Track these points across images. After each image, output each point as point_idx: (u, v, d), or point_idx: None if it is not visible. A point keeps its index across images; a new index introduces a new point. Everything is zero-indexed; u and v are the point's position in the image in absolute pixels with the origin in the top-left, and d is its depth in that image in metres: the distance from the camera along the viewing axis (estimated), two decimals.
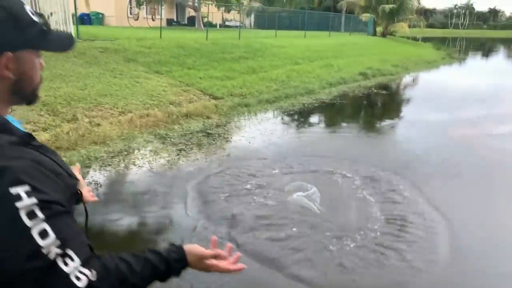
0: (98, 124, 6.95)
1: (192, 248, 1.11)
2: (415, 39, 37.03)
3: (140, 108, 7.89)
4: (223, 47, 14.08)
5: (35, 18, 0.93)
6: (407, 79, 16.47)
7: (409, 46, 27.01)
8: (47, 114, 6.89)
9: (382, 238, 3.82)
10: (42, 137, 6.15)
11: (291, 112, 9.37)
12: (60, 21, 11.15)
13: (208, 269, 1.12)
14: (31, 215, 0.81)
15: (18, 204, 0.80)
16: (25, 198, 0.80)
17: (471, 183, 5.39)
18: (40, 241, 0.80)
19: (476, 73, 19.70)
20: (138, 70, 9.89)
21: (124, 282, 0.92)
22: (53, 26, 11.08)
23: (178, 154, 6.08)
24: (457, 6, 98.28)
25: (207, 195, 4.68)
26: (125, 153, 5.97)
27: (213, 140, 6.89)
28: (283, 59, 14.48)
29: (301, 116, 9.21)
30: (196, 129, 7.43)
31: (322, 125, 8.88)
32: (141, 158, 5.81)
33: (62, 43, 1.02)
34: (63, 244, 0.83)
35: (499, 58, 31.80)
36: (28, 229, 0.80)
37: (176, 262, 1.06)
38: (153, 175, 5.26)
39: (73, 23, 11.66)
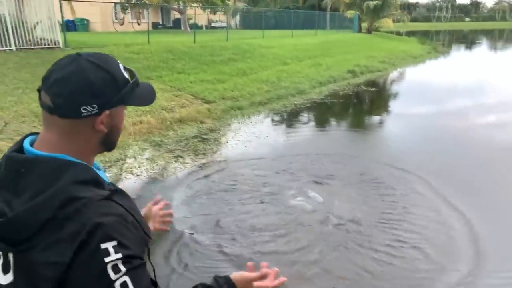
0: None
1: (239, 275, 1.21)
2: (399, 33, 37.38)
3: (132, 115, 7.84)
4: (211, 49, 14.05)
5: (126, 75, 1.02)
6: (395, 75, 16.62)
7: (394, 42, 27.23)
8: (39, 125, 6.81)
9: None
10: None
11: (284, 114, 9.40)
12: (46, 29, 11.04)
13: None
14: (116, 269, 0.88)
15: (107, 259, 0.87)
16: (112, 254, 0.88)
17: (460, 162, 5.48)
18: None
19: (461, 66, 19.97)
20: None
21: None
22: (39, 34, 10.97)
23: (175, 161, 6.07)
24: (439, 0, 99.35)
25: (208, 201, 4.68)
26: (122, 162, 5.94)
27: (209, 146, 6.89)
28: (272, 60, 14.51)
29: (294, 117, 9.24)
30: (191, 134, 7.42)
31: (316, 125, 8.92)
32: (139, 167, 5.78)
33: (147, 97, 1.08)
34: None
35: (482, 49, 32.26)
36: (112, 282, 0.87)
37: None
38: (152, 183, 5.25)
39: (60, 31, 11.53)
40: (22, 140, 1.00)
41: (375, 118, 9.44)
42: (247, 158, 6.25)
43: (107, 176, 1.08)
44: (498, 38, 43.94)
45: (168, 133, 7.35)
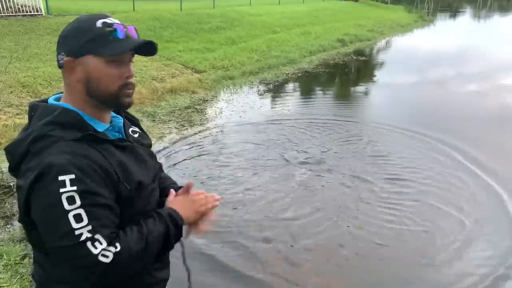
0: None
1: (171, 199, 1.26)
2: (384, 2, 36.97)
3: None
4: (198, 17, 13.70)
5: (103, 29, 1.06)
6: (384, 43, 16.54)
7: (381, 10, 26.93)
8: (28, 96, 6.63)
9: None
10: (27, 120, 5.93)
11: (276, 84, 9.31)
12: None
13: (200, 208, 1.25)
14: (70, 200, 0.97)
15: (62, 189, 0.96)
16: (68, 185, 0.96)
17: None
18: (74, 224, 0.96)
19: (448, 34, 19.95)
20: None
21: (141, 241, 1.06)
22: (20, 1, 10.51)
23: (170, 132, 6.00)
24: None
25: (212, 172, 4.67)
26: None
27: (204, 116, 6.82)
28: (260, 28, 14.25)
29: (287, 87, 9.17)
30: (184, 104, 7.32)
31: (310, 94, 8.87)
32: None
33: (122, 46, 1.07)
34: (94, 229, 0.98)
35: (466, 18, 32.33)
36: (66, 212, 0.96)
37: (170, 215, 1.17)
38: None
39: None
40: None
41: (366, 88, 9.42)
42: (243, 128, 6.22)
43: (105, 127, 1.15)
44: (481, 6, 43.89)
45: (160, 104, 7.23)
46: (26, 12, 10.46)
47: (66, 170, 0.97)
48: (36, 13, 10.68)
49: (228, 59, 10.30)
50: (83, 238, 0.96)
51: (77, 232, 0.96)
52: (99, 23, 1.06)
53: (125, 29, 1.09)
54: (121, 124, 1.23)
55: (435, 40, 17.53)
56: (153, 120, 6.44)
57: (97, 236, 0.98)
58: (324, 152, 5.32)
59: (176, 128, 6.21)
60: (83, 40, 1.05)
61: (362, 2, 29.81)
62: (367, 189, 4.35)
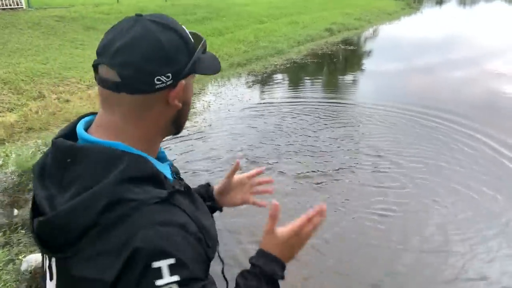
0: (67, 100, 6.61)
1: (268, 236, 0.94)
2: None
3: None
4: (184, 8, 13.53)
5: (192, 39, 0.84)
6: (371, 32, 16.48)
7: None
8: (10, 93, 6.47)
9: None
10: (10, 118, 5.80)
11: (265, 75, 9.20)
12: None
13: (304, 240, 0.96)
14: None
15: (159, 282, 0.68)
16: (166, 275, 0.68)
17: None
18: None
19: (435, 21, 20.00)
20: (99, 39, 9.33)
21: None
22: None
23: None
24: None
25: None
26: None
27: (192, 110, 6.70)
28: (247, 18, 14.10)
29: (276, 79, 9.07)
30: None
31: (299, 86, 8.78)
32: None
33: (214, 64, 0.88)
34: None
35: (452, 5, 32.49)
36: None
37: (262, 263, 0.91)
38: None
39: None
40: (75, 122, 0.84)
41: (355, 77, 9.37)
42: (230, 122, 6.13)
43: (172, 167, 0.91)
44: None
45: None
46: (6, 5, 10.19)
47: (161, 252, 0.69)
48: (16, 6, 10.43)
49: (215, 51, 10.15)
50: None
51: None
52: (188, 33, 0.84)
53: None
54: (165, 155, 0.95)
55: (422, 28, 17.55)
56: None
57: None
58: (319, 142, 5.27)
59: None
60: (194, 58, 0.81)
61: None
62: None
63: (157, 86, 0.77)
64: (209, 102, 7.18)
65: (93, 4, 12.37)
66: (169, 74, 0.78)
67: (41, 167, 0.79)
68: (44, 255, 0.81)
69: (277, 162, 4.80)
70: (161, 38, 0.77)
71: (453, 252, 3.30)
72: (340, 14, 17.81)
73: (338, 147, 5.23)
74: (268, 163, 4.76)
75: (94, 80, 7.43)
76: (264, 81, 8.85)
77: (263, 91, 8.09)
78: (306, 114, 6.43)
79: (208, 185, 1.24)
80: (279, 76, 9.25)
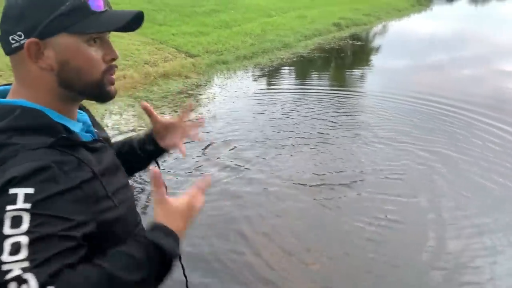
0: None
1: (160, 209, 0.84)
2: None
3: None
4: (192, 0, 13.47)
5: None
6: (380, 28, 16.36)
7: None
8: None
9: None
10: None
11: (271, 68, 9.18)
12: None
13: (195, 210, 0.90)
14: (15, 221, 0.66)
15: (9, 207, 0.67)
16: (19, 202, 0.67)
17: None
18: (5, 255, 0.64)
19: (446, 19, 19.80)
20: None
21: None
22: None
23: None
24: None
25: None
26: (107, 119, 5.73)
27: (196, 101, 6.70)
28: (255, 11, 14.02)
29: (281, 72, 9.04)
30: (176, 89, 7.20)
31: (304, 80, 8.75)
32: (125, 124, 5.60)
33: (111, 21, 0.83)
34: (30, 267, 0.64)
35: (463, 2, 32.10)
36: (3, 237, 0.65)
37: (157, 231, 0.80)
38: None
39: None
40: None
41: (361, 73, 9.31)
42: (235, 114, 6.12)
43: (79, 126, 0.91)
44: None
45: (153, 89, 7.10)
46: None
47: (23, 181, 0.69)
48: None
49: (222, 43, 10.13)
50: (8, 276, 0.63)
51: (4, 267, 0.64)
52: None
53: None
54: (89, 120, 0.98)
55: (432, 25, 17.39)
56: None
57: (28, 276, 0.63)
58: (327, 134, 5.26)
59: (168, 113, 6.09)
60: (54, 14, 0.78)
61: None
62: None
63: (13, 46, 0.79)
64: (214, 93, 7.17)
65: None
66: (20, 33, 0.78)
67: None
68: None
69: (275, 157, 4.79)
70: None
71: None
72: (349, 10, 17.66)
73: (343, 141, 5.20)
74: (264, 159, 4.75)
75: None
76: (270, 74, 8.83)
77: (268, 84, 8.07)
78: (311, 108, 6.40)
79: (146, 132, 1.27)
80: (285, 70, 9.22)
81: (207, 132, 5.35)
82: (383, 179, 4.24)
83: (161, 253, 0.77)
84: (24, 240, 0.65)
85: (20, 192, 0.68)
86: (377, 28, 16.24)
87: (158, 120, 1.22)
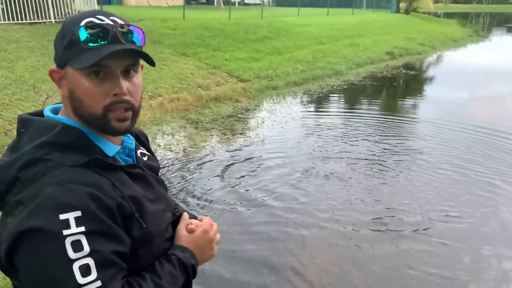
0: None
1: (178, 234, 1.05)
2: (436, 15, 35.91)
3: (169, 91, 7.82)
4: (246, 27, 13.82)
5: (85, 35, 0.83)
6: (435, 58, 16.00)
7: (434, 24, 26.18)
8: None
9: None
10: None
11: (320, 95, 9.18)
12: (83, 2, 11.07)
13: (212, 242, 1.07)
14: (76, 245, 0.75)
15: (66, 231, 0.74)
16: (73, 226, 0.75)
17: None
18: (80, 278, 0.74)
19: (504, 51, 19.05)
20: (164, 53, 9.78)
21: None
22: (77, 7, 11.01)
23: (212, 140, 6.02)
24: None
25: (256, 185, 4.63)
26: (160, 139, 5.93)
27: (246, 125, 6.80)
28: (307, 39, 14.17)
29: (330, 99, 9.02)
30: (226, 113, 7.35)
31: (354, 107, 8.67)
32: (177, 144, 5.76)
33: (95, 54, 0.82)
34: (104, 285, 0.76)
35: None
36: (70, 261, 0.74)
37: (181, 252, 0.99)
38: (193, 162, 5.20)
39: (97, 4, 11.55)
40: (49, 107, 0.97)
41: (414, 103, 9.08)
42: (283, 139, 6.14)
43: (116, 149, 0.94)
44: None
45: (204, 111, 7.29)
46: None
47: (68, 205, 0.76)
48: None
49: (272, 69, 10.29)
50: None
51: None
52: (83, 23, 0.84)
53: (115, 31, 0.84)
54: (133, 146, 1.01)
55: (490, 56, 16.77)
56: (196, 127, 6.49)
57: None
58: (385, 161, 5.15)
59: (218, 136, 6.22)
60: (61, 47, 0.86)
61: (413, 15, 29.13)
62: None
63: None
64: (263, 118, 7.25)
65: (160, 19, 12.98)
66: (55, 57, 0.90)
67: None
68: None
69: (327, 210, 4.73)
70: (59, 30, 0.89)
71: None
72: (403, 39, 17.46)
73: (398, 171, 5.06)
74: (308, 191, 4.70)
75: (156, 91, 7.79)
76: (320, 100, 8.83)
77: (317, 111, 8.06)
78: (359, 136, 6.31)
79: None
80: (335, 97, 9.19)
81: (255, 158, 5.40)
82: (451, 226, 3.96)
83: (187, 271, 0.97)
84: (90, 261, 0.75)
85: (70, 216, 0.75)
86: (432, 58, 15.88)
87: None
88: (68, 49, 0.84)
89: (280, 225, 3.83)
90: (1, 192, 0.82)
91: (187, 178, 4.73)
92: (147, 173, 0.99)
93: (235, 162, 5.22)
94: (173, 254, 0.96)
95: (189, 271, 0.97)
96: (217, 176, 4.82)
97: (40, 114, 0.92)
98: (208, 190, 4.44)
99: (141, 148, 1.07)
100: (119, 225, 0.82)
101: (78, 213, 0.75)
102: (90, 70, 0.83)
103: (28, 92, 6.32)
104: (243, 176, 4.82)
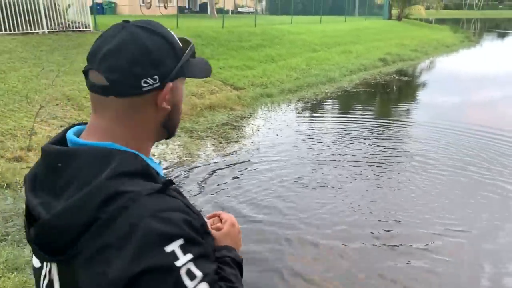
0: None
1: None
2: (428, 21, 36.26)
3: None
4: (239, 35, 13.86)
5: (180, 44, 0.87)
6: (428, 64, 16.12)
7: (425, 30, 26.43)
8: (72, 109, 6.84)
9: None
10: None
11: (314, 102, 9.20)
12: (77, 12, 11.05)
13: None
14: (190, 274, 0.73)
15: (178, 263, 0.71)
16: (181, 256, 0.72)
17: None
18: None
19: (495, 56, 19.25)
20: None
21: None
22: (71, 17, 11.00)
23: (206, 148, 6.00)
24: None
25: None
26: (154, 148, 5.90)
27: (240, 133, 6.79)
28: (300, 46, 14.24)
29: (325, 106, 9.04)
30: (221, 121, 7.33)
31: (348, 114, 8.68)
32: (171, 153, 5.73)
33: (205, 68, 0.92)
34: None
35: None
36: None
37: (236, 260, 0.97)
38: (189, 171, 5.17)
39: (91, 14, 11.54)
40: (66, 130, 0.85)
41: (406, 109, 9.12)
42: (279, 147, 6.13)
43: (161, 168, 0.91)
44: None
45: (199, 120, 7.27)
46: (76, 28, 10.92)
47: (170, 235, 0.72)
48: (84, 29, 11.13)
49: (267, 77, 10.31)
50: None
51: None
52: (176, 37, 0.86)
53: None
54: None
55: (481, 61, 16.93)
56: (191, 136, 6.46)
57: None
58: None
59: (212, 144, 6.20)
60: (181, 60, 0.83)
61: (405, 22, 29.38)
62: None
63: (144, 89, 0.79)
64: (258, 126, 7.25)
65: None
66: (156, 77, 0.79)
67: (33, 176, 0.80)
68: (43, 263, 0.81)
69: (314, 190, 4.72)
70: (147, 43, 0.79)
71: None
72: (395, 45, 17.59)
73: (395, 180, 5.06)
74: (301, 211, 4.69)
75: None
76: (314, 108, 8.84)
77: (312, 118, 8.07)
78: (352, 143, 6.31)
79: None
80: (329, 104, 9.21)
81: (251, 167, 5.39)
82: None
83: (240, 266, 0.95)
84: (205, 285, 0.74)
85: (175, 246, 0.71)
86: (425, 63, 16.00)
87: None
88: (188, 61, 0.85)
89: (269, 242, 3.81)
90: (70, 239, 0.71)
91: (184, 188, 4.70)
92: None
93: (228, 172, 5.20)
94: (225, 256, 0.93)
95: (242, 266, 0.97)
96: (210, 184, 4.80)
97: (62, 140, 0.83)
98: (200, 198, 4.42)
99: None
100: (207, 243, 0.82)
101: (181, 241, 0.72)
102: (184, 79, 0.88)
103: (20, 102, 6.28)
104: (239, 185, 4.79)
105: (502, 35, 33.49)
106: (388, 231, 3.87)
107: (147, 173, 0.78)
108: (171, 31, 0.86)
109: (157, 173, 0.82)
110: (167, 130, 0.89)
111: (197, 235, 0.77)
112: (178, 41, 0.86)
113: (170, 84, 0.82)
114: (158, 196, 0.75)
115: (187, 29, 13.35)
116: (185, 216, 0.76)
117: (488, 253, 3.57)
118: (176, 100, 0.86)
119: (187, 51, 0.85)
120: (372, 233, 3.85)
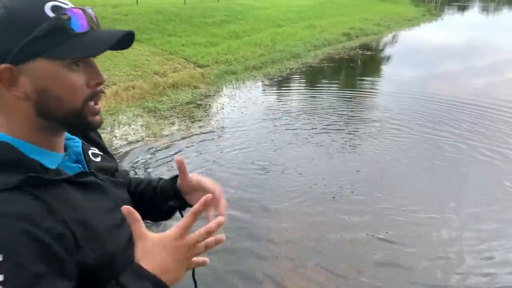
0: None
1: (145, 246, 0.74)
2: None
3: (124, 79, 7.56)
4: (202, 11, 13.53)
5: (55, 18, 0.70)
6: (390, 37, 16.31)
7: (388, 4, 26.55)
8: None
9: None
10: None
11: (279, 78, 9.16)
12: None
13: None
14: None
15: None
16: None
17: None
18: None
19: (456, 28, 19.71)
20: None
21: None
22: None
23: (171, 128, 5.88)
24: None
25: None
26: (116, 129, 5.73)
27: (205, 112, 6.69)
28: (265, 22, 14.07)
29: (290, 82, 9.02)
30: (185, 100, 7.20)
31: (313, 89, 8.71)
32: (133, 134, 5.59)
33: (93, 44, 0.73)
34: None
35: (474, 12, 32.03)
36: None
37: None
38: (153, 152, 5.07)
39: None
40: None
41: (371, 82, 9.23)
42: (244, 125, 6.09)
43: (76, 166, 0.81)
44: (490, 0, 43.37)
45: (161, 99, 7.11)
46: None
47: None
48: None
49: (231, 54, 10.16)
50: None
51: None
52: (47, 8, 0.70)
53: (85, 16, 0.73)
54: (80, 149, 0.86)
55: (443, 34, 17.29)
56: (154, 116, 6.32)
57: None
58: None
59: (177, 124, 6.09)
60: (28, 38, 0.69)
61: None
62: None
63: None
64: (223, 104, 7.16)
65: (112, 5, 12.46)
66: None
67: None
68: None
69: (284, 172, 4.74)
70: None
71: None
72: (359, 20, 17.65)
73: (354, 154, 5.14)
74: (265, 168, 4.70)
75: (110, 79, 7.49)
76: (279, 84, 8.81)
77: (277, 94, 8.04)
78: (319, 117, 6.35)
79: (173, 181, 1.04)
80: (294, 79, 9.20)
81: (216, 146, 5.34)
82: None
83: None
84: None
85: None
86: (387, 38, 16.18)
87: (187, 179, 0.99)
88: (44, 38, 0.69)
89: (234, 217, 3.81)
90: None
91: (146, 169, 4.61)
92: (100, 178, 0.83)
93: (194, 151, 5.13)
94: (119, 285, 0.70)
95: None
96: (173, 164, 4.71)
97: None
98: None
99: (92, 148, 0.91)
100: (60, 260, 0.66)
101: (0, 257, 0.60)
102: (72, 61, 0.71)
103: None
104: (204, 165, 4.74)
105: (463, 8, 34.26)
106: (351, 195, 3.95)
107: (13, 165, 0.69)
108: (53, 2, 0.71)
109: (40, 166, 0.72)
110: (51, 120, 0.75)
111: (31, 254, 0.63)
112: (49, 11, 0.70)
113: (7, 66, 0.69)
114: (9, 195, 0.65)
115: (147, 5, 12.89)
116: (24, 225, 0.63)
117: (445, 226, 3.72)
118: (41, 86, 0.71)
119: (43, 25, 0.69)
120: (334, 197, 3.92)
